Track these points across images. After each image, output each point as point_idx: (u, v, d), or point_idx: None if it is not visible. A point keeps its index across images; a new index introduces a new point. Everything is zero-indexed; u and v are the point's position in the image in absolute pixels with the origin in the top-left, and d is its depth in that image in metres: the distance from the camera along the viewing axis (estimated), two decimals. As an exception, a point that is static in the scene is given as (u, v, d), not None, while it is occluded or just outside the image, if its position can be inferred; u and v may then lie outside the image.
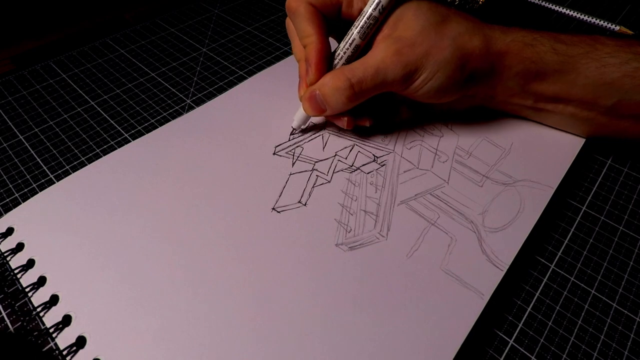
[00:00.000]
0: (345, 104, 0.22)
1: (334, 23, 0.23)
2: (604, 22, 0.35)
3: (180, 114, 0.29)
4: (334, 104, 0.22)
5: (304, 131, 0.26)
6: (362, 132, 0.26)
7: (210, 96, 0.30)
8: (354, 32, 0.22)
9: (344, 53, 0.22)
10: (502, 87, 0.23)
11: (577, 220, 0.23)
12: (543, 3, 0.38)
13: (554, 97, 0.23)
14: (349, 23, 0.22)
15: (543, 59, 0.21)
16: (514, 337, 0.18)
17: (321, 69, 0.22)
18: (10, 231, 0.21)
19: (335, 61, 0.23)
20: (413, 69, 0.21)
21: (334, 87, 0.21)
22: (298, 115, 0.25)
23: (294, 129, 0.25)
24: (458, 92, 0.23)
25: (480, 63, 0.22)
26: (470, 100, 0.25)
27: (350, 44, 0.22)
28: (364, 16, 0.21)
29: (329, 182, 0.23)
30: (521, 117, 0.26)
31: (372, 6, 0.21)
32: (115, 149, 0.25)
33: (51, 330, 0.18)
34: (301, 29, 0.22)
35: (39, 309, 0.18)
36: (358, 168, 0.24)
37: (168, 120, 0.28)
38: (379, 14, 0.21)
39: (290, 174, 0.24)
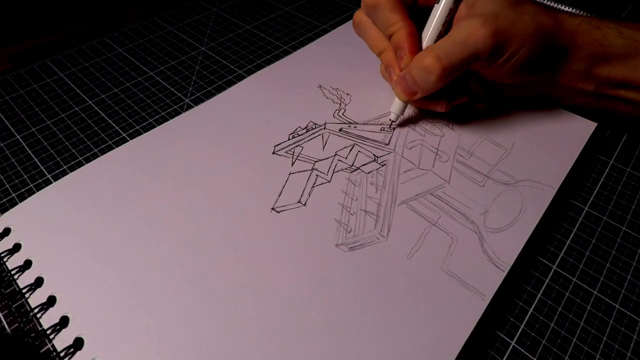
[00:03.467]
0: (435, 83, 0.22)
1: (411, 12, 0.23)
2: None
3: (178, 114, 0.28)
4: (423, 84, 0.22)
5: (307, 130, 0.26)
6: (362, 132, 0.26)
7: (209, 95, 0.30)
8: (436, 17, 0.22)
9: (430, 36, 0.23)
10: (569, 70, 0.23)
11: (579, 221, 0.23)
12: (545, 1, 0.38)
13: (618, 81, 0.23)
14: (427, 10, 0.23)
15: (610, 42, 0.22)
16: (515, 339, 0.18)
17: (414, 52, 0.22)
18: (7, 232, 0.21)
19: (422, 43, 0.23)
20: (501, 39, 0.21)
21: (422, 66, 0.21)
22: (394, 105, 0.25)
23: (392, 121, 0.25)
24: (536, 72, 0.23)
25: (556, 41, 0.22)
26: (533, 87, 0.25)
27: (433, 29, 0.23)
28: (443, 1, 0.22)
29: (328, 181, 0.23)
30: (564, 109, 0.26)
31: None
32: (114, 148, 0.25)
33: (48, 332, 0.17)
34: (385, 19, 0.22)
35: (36, 310, 0.18)
36: (358, 168, 0.24)
37: (167, 120, 0.28)
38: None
39: (290, 174, 0.23)
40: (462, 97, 0.25)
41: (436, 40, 0.23)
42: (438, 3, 0.22)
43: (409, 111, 0.27)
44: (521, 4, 0.22)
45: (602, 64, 0.22)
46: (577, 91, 0.24)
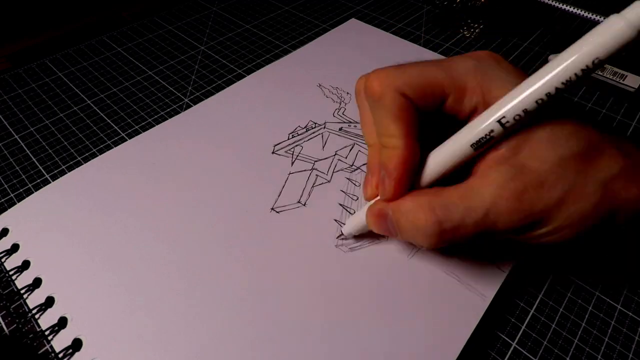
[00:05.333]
0: (428, 247, 0.16)
1: (430, 117, 0.16)
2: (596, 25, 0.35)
3: (178, 113, 0.28)
4: (410, 239, 0.16)
5: (306, 129, 0.26)
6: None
7: (209, 95, 0.30)
8: (463, 142, 0.15)
9: (437, 166, 0.16)
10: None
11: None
12: (546, 0, 0.37)
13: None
14: (453, 121, 0.16)
15: None
16: (516, 340, 0.18)
17: (402, 187, 0.16)
18: (5, 232, 0.21)
19: (424, 174, 0.16)
20: (536, 219, 0.14)
21: (415, 224, 0.15)
22: (354, 221, 0.19)
23: (342, 234, 0.20)
24: (584, 247, 0.18)
25: (634, 214, 0.15)
26: None
27: (452, 157, 0.15)
28: (479, 124, 0.14)
29: (328, 181, 0.23)
30: None
31: (499, 114, 0.14)
32: (112, 148, 0.25)
33: (47, 333, 0.17)
34: (383, 125, 0.16)
35: (34, 311, 0.18)
36: (358, 167, 0.24)
37: (165, 119, 0.28)
38: (502, 127, 0.14)
39: (290, 174, 0.23)
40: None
41: (449, 171, 0.16)
42: (465, 129, 0.15)
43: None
44: (595, 160, 0.14)
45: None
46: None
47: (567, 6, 0.36)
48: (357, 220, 0.19)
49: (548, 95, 0.13)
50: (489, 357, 0.18)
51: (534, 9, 0.38)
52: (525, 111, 0.13)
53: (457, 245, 0.16)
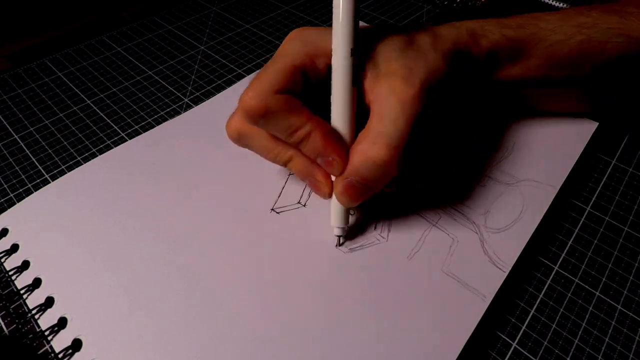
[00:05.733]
0: (395, 172, 0.17)
1: (308, 98, 0.18)
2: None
3: (177, 113, 0.28)
4: (380, 179, 0.18)
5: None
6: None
7: (209, 95, 0.30)
8: (343, 91, 0.17)
9: (346, 124, 0.18)
10: (483, 81, 0.22)
11: (581, 221, 0.22)
12: (547, 0, 0.37)
13: (515, 82, 0.22)
14: (322, 88, 0.18)
15: (499, 47, 0.21)
16: (517, 340, 0.18)
17: (344, 152, 0.18)
18: (4, 232, 0.21)
19: (345, 136, 0.18)
20: (430, 86, 0.18)
21: (372, 161, 0.17)
22: (336, 214, 0.19)
23: (339, 236, 0.20)
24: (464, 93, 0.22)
25: (465, 57, 0.20)
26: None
27: (346, 109, 0.18)
28: (339, 70, 0.17)
29: (328, 182, 0.23)
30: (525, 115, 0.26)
31: (342, 55, 0.17)
32: (112, 148, 0.25)
33: (46, 333, 0.17)
34: (287, 124, 0.17)
35: (34, 312, 0.18)
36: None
37: (165, 120, 0.28)
38: (351, 61, 0.17)
39: (290, 174, 0.23)
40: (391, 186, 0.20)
41: (356, 121, 0.18)
42: (334, 71, 0.17)
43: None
44: (415, 39, 0.19)
45: (499, 68, 0.21)
46: (496, 95, 0.23)
47: (567, 6, 0.36)
48: (336, 211, 0.19)
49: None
50: (489, 357, 0.18)
51: (534, 9, 0.38)
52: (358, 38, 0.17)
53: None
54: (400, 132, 0.17)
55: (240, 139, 0.19)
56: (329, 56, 0.18)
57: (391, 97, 0.17)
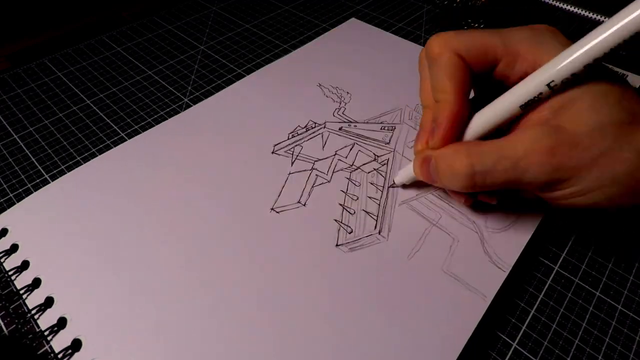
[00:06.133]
0: (460, 190, 0.17)
1: (481, 80, 0.18)
2: (607, 19, 0.35)
3: (177, 113, 0.28)
4: (446, 183, 0.18)
5: (306, 129, 0.26)
6: (362, 131, 0.26)
7: (208, 95, 0.30)
8: (507, 103, 0.16)
9: (480, 123, 0.17)
10: None
11: (582, 221, 0.22)
12: (551, 1, 0.37)
13: None
14: (502, 86, 0.17)
15: None
16: (517, 340, 0.18)
17: (449, 138, 0.17)
18: (4, 232, 0.21)
19: (469, 130, 0.18)
20: (564, 177, 0.15)
21: (451, 168, 0.17)
22: (405, 171, 0.21)
23: (394, 182, 0.22)
24: (620, 216, 0.19)
25: None
26: None
27: (495, 116, 0.17)
28: (528, 86, 0.15)
29: (328, 181, 0.23)
30: None
31: (548, 77, 0.14)
32: (111, 148, 0.25)
33: (46, 333, 0.17)
34: (438, 81, 0.17)
35: (33, 312, 0.18)
36: (358, 167, 0.24)
37: (165, 119, 0.28)
38: (550, 90, 0.15)
39: (290, 174, 0.23)
40: (491, 197, 0.19)
41: (491, 130, 0.17)
42: (512, 91, 0.16)
43: (407, 114, 0.27)
44: (635, 128, 0.14)
45: None
46: None
47: (568, 6, 0.36)
48: (408, 169, 0.21)
49: (596, 59, 0.14)
50: (489, 357, 0.18)
51: (535, 9, 0.38)
52: (573, 75, 0.14)
53: (485, 204, 0.18)
54: (493, 171, 0.16)
55: (419, 62, 0.20)
56: (534, 66, 0.16)
57: (524, 144, 0.15)
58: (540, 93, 0.15)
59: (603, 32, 0.13)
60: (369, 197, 0.22)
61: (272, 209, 0.21)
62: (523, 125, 0.16)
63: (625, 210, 0.17)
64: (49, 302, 0.18)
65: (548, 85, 0.15)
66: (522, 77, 0.16)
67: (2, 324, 0.18)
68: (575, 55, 0.14)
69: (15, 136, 0.27)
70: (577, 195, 0.15)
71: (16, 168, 0.25)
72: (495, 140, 0.16)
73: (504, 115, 0.16)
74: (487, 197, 0.19)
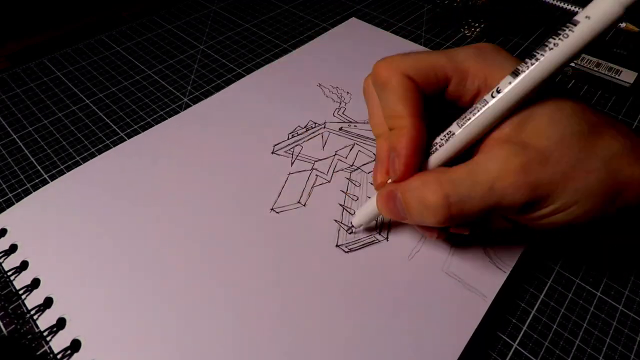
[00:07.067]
0: (435, 225, 0.16)
1: (432, 102, 0.17)
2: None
3: (177, 113, 0.28)
4: (418, 219, 0.16)
5: (306, 129, 0.26)
6: (362, 131, 0.26)
7: (208, 94, 0.30)
8: (468, 123, 0.15)
9: (444, 148, 0.16)
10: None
11: (581, 221, 0.22)
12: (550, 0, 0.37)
13: None
14: (455, 107, 0.17)
15: None
16: (517, 340, 0.18)
17: (412, 166, 0.16)
18: (3, 232, 0.21)
19: (431, 158, 0.16)
20: (542, 195, 0.14)
21: (423, 201, 0.15)
22: (366, 210, 0.19)
23: (353, 226, 0.20)
24: (595, 231, 0.18)
25: (633, 200, 0.15)
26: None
27: (456, 138, 0.15)
28: (483, 105, 0.15)
29: (328, 181, 0.23)
30: None
31: (501, 94, 0.14)
32: (111, 148, 0.25)
33: (45, 334, 0.17)
34: (390, 106, 0.16)
35: (32, 312, 0.18)
36: (358, 167, 0.24)
37: (165, 119, 0.28)
38: (507, 106, 0.14)
39: (290, 174, 0.23)
40: (464, 227, 0.17)
41: (456, 153, 0.16)
42: (475, 111, 0.15)
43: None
44: (597, 138, 0.14)
45: None
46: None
47: (568, 5, 0.36)
48: (368, 207, 0.19)
49: (550, 73, 0.14)
50: (490, 357, 0.18)
51: (535, 9, 0.38)
52: (527, 91, 0.14)
53: (463, 237, 0.16)
54: (470, 199, 0.15)
55: (364, 90, 0.19)
56: (486, 83, 0.16)
57: (495, 165, 0.14)
58: (504, 110, 0.15)
59: (558, 49, 0.13)
60: (369, 198, 0.22)
61: (272, 209, 0.21)
62: (487, 146, 0.15)
63: (597, 226, 0.16)
64: (48, 302, 0.18)
65: (511, 101, 0.14)
66: (475, 95, 0.16)
67: (1, 324, 0.18)
68: (534, 71, 0.14)
69: (14, 136, 0.27)
70: (557, 212, 0.15)
71: (15, 168, 0.25)
72: (463, 165, 0.15)
73: (469, 138, 0.15)
74: (461, 228, 0.17)
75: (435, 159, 0.16)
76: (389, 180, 0.17)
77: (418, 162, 0.16)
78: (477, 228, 0.18)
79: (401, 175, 0.16)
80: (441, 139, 0.16)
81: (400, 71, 0.16)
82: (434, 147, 0.16)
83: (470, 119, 0.15)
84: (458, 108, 0.17)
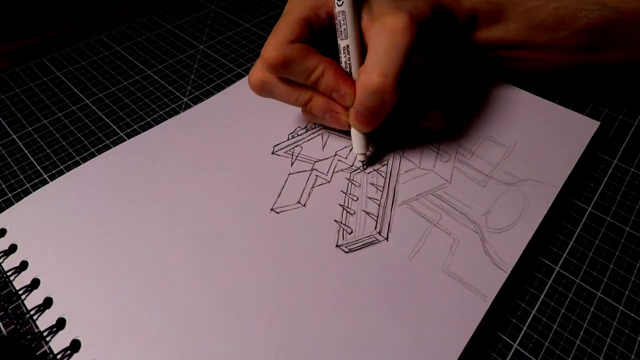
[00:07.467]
0: (392, 98, 0.20)
1: (315, 42, 0.21)
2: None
3: (177, 113, 0.28)
4: (382, 106, 0.20)
5: (306, 129, 0.26)
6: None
7: (208, 94, 0.30)
8: (345, 30, 0.20)
9: (353, 58, 0.21)
10: (462, 38, 0.24)
11: (582, 221, 0.22)
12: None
13: (494, 44, 0.25)
14: (328, 33, 0.21)
15: (478, 9, 0.23)
16: (518, 341, 0.18)
17: (353, 86, 0.21)
18: (3, 232, 0.21)
19: (352, 70, 0.21)
20: (417, 19, 0.20)
21: (372, 90, 0.20)
22: (356, 145, 0.23)
23: (363, 162, 0.23)
24: (440, 46, 0.24)
25: (445, 9, 0.22)
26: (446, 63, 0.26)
27: (351, 45, 0.21)
28: (342, 13, 0.20)
29: (328, 182, 0.23)
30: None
31: (338, 3, 0.20)
32: (111, 148, 0.25)
33: (45, 334, 0.17)
34: (304, 68, 0.20)
35: (32, 312, 0.18)
36: (358, 168, 0.24)
37: (164, 119, 0.28)
38: (350, 7, 0.20)
39: (289, 174, 0.23)
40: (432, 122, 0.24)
41: (363, 61, 0.21)
42: (342, 21, 0.20)
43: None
44: None
45: (478, 30, 0.24)
46: (479, 56, 0.26)
47: None
48: (356, 137, 0.23)
49: None
50: (490, 357, 0.18)
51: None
52: None
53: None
54: (391, 60, 0.19)
55: (262, 88, 0.22)
56: (329, 6, 0.21)
57: (382, 32, 0.20)
58: (350, 11, 0.20)
59: None
60: (369, 198, 0.22)
61: (272, 209, 0.21)
62: (368, 34, 0.20)
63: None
64: (47, 302, 0.18)
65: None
66: (329, 15, 0.21)
67: (0, 324, 0.18)
68: None
69: (14, 136, 0.27)
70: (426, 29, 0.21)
71: (15, 168, 0.25)
72: (369, 53, 0.20)
73: (354, 38, 0.21)
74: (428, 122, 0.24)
75: (355, 69, 0.21)
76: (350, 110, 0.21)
77: (352, 80, 0.21)
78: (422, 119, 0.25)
79: (352, 95, 0.21)
80: (345, 56, 0.21)
81: (284, 44, 0.20)
82: (347, 65, 0.21)
83: (345, 28, 0.20)
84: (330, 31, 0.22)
